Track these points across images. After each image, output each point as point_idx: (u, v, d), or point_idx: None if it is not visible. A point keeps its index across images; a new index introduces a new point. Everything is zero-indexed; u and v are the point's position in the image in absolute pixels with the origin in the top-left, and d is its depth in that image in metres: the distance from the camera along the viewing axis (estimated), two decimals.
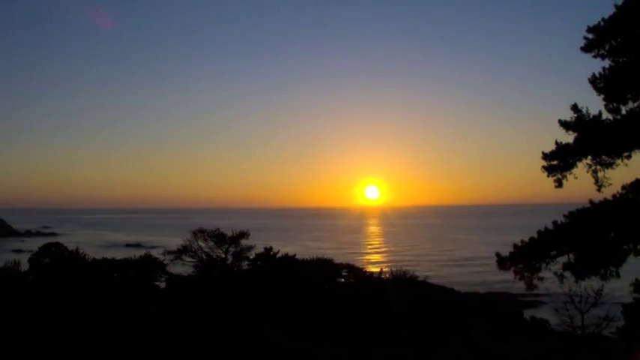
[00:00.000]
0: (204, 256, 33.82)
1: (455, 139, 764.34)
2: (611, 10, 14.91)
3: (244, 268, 34.26)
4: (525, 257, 15.41)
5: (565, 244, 15.27)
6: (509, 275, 16.01)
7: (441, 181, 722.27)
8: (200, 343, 21.46)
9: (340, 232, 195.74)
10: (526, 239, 15.46)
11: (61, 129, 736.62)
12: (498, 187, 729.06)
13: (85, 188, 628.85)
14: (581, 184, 15.66)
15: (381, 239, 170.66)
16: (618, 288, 17.66)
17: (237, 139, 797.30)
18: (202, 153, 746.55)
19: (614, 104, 15.08)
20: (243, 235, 34.13)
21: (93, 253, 38.43)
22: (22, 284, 28.54)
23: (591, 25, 15.15)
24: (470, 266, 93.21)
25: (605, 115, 15.19)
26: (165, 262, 33.88)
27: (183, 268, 34.27)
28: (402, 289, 30.32)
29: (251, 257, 34.45)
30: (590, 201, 15.20)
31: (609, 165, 15.34)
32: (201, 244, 33.99)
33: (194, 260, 33.92)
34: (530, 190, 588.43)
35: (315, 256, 37.84)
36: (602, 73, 15.02)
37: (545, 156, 15.68)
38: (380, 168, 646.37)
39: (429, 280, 38.01)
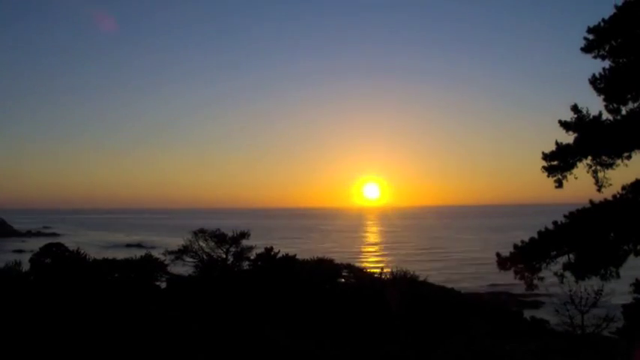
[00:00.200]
0: (204, 257, 33.87)
1: (455, 139, 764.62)
2: (611, 11, 14.95)
3: (245, 268, 34.31)
4: (525, 257, 15.44)
5: (565, 245, 15.30)
6: (509, 275, 16.04)
7: (440, 181, 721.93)
8: (200, 342, 21.50)
9: (338, 232, 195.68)
10: (526, 239, 15.49)
11: (62, 129, 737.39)
12: (498, 187, 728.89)
13: (85, 188, 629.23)
14: (581, 185, 15.70)
15: (380, 239, 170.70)
16: (618, 288, 17.67)
17: (236, 139, 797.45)
18: (202, 153, 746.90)
19: (614, 105, 15.11)
20: (243, 235, 34.18)
21: (94, 253, 38.46)
22: (23, 284, 28.56)
23: (591, 25, 15.18)
24: (470, 266, 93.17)
25: (606, 116, 15.23)
26: (166, 262, 33.91)
27: (183, 268, 34.32)
28: (402, 289, 30.35)
29: (252, 257, 34.50)
30: (591, 201, 15.23)
31: (609, 165, 15.37)
32: (202, 244, 34.04)
33: (195, 260, 33.97)
34: (530, 191, 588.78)
35: (315, 256, 37.89)
36: (602, 73, 15.05)
37: (546, 156, 15.71)
38: (379, 168, 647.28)
39: (430, 280, 38.05)
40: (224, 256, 33.89)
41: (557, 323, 23.20)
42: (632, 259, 14.97)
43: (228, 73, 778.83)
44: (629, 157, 15.23)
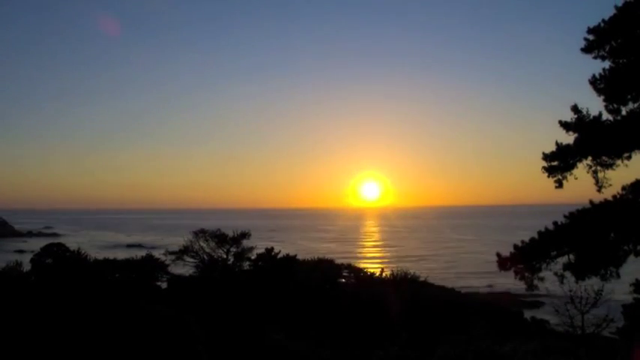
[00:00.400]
0: (205, 257, 33.92)
1: (454, 140, 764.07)
2: (611, 11, 14.97)
3: (246, 268, 34.36)
4: (526, 257, 15.44)
5: (565, 245, 15.30)
6: (509, 275, 16.05)
7: (440, 181, 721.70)
8: (201, 343, 21.52)
9: (338, 232, 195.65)
10: (526, 239, 15.51)
11: (63, 130, 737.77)
12: (498, 187, 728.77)
13: (86, 189, 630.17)
14: (581, 185, 15.71)
15: (380, 239, 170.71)
16: (618, 288, 17.70)
17: (236, 139, 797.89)
18: (202, 153, 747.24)
19: (615, 105, 15.11)
20: (244, 235, 34.24)
21: (94, 253, 38.62)
22: (24, 285, 28.60)
23: (591, 26, 15.20)
24: (470, 266, 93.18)
25: (606, 116, 15.22)
26: (167, 262, 34.00)
27: (184, 268, 34.39)
28: (402, 289, 30.40)
29: (252, 258, 34.54)
30: (591, 201, 15.23)
31: (609, 166, 15.37)
32: (203, 244, 34.12)
33: (195, 261, 34.03)
34: (529, 191, 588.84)
35: (315, 257, 37.95)
36: (602, 74, 15.05)
37: (546, 157, 15.72)
38: (379, 168, 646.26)
39: (430, 281, 38.09)
40: (225, 256, 33.94)
41: (558, 323, 23.23)
42: (632, 259, 14.98)
43: (228, 73, 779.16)
44: (629, 158, 15.23)
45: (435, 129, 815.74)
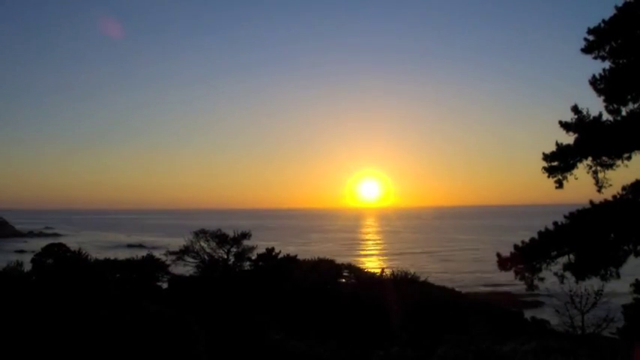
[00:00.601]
0: (206, 257, 33.95)
1: (454, 140, 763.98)
2: (612, 12, 14.99)
3: (246, 268, 34.38)
4: (526, 258, 15.45)
5: (565, 245, 15.31)
6: (510, 275, 16.07)
7: (440, 181, 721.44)
8: (202, 343, 21.54)
9: (339, 232, 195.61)
10: (527, 240, 15.52)
11: (63, 130, 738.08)
12: (498, 187, 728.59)
13: (87, 189, 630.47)
14: (581, 185, 15.72)
15: (380, 239, 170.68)
16: (618, 288, 17.72)
17: (236, 140, 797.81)
18: (202, 154, 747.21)
19: (615, 105, 15.13)
20: (244, 235, 34.27)
21: (95, 253, 38.58)
22: (24, 285, 28.62)
23: (591, 26, 15.22)
24: (471, 266, 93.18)
25: (606, 117, 15.23)
26: (168, 262, 34.03)
27: (185, 268, 34.42)
28: (402, 289, 30.41)
29: (253, 258, 34.56)
30: (591, 202, 15.24)
31: (609, 166, 15.38)
32: (203, 244, 34.15)
33: (196, 261, 34.07)
34: (530, 191, 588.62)
35: (316, 257, 37.97)
36: (603, 74, 15.06)
37: (546, 157, 15.73)
38: (379, 168, 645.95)
39: (430, 281, 38.12)
40: (225, 256, 33.97)
41: (558, 323, 23.29)
42: (632, 260, 15.00)
43: (227, 73, 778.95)
44: (629, 158, 15.25)
45: (435, 126, 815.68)
